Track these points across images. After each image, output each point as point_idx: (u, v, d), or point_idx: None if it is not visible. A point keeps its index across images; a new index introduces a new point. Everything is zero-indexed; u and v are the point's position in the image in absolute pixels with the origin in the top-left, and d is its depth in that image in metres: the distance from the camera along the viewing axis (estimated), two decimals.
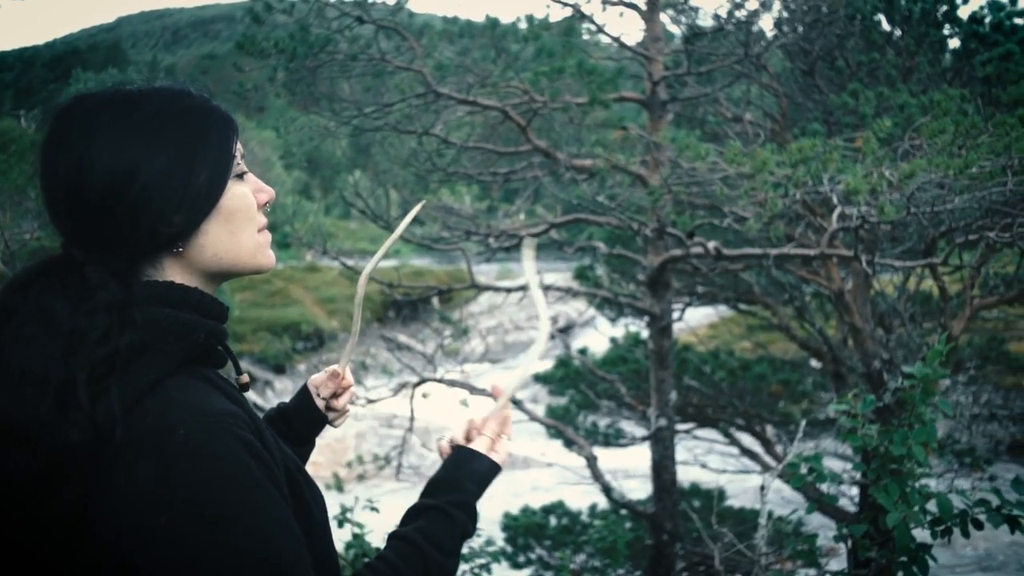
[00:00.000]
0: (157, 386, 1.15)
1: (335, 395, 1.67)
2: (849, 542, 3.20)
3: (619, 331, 10.53)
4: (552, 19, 6.89)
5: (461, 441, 1.43)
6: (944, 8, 6.93)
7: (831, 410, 3.02)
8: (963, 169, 3.35)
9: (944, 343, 2.64)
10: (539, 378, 10.17)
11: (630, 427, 9.66)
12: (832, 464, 5.48)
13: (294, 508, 1.18)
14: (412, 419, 6.91)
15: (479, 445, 1.40)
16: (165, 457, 1.09)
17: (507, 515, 8.28)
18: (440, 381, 6.67)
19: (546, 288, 6.94)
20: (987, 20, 6.84)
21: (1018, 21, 6.81)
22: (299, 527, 1.15)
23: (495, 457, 1.40)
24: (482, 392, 6.71)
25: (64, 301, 1.16)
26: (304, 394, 1.68)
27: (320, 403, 1.66)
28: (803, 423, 4.44)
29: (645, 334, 9.69)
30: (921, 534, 2.94)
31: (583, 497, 9.43)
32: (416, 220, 8.67)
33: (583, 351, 8.36)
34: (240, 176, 1.28)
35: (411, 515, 1.33)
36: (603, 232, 8.57)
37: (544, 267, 9.10)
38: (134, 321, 1.16)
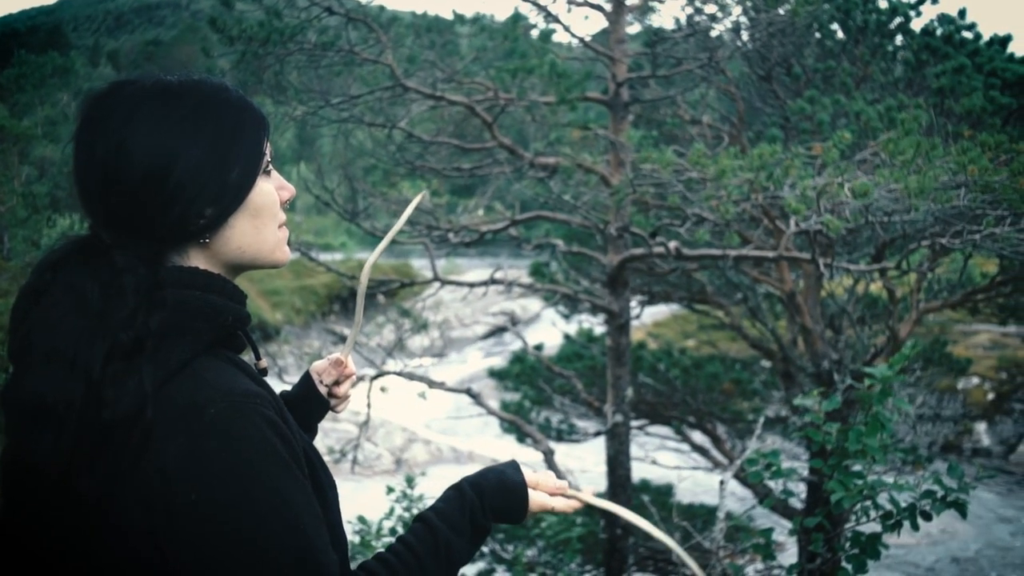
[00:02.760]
0: (187, 366, 1.17)
1: (337, 382, 1.72)
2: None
3: (572, 327, 10.60)
4: (517, 18, 6.92)
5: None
6: (898, 20, 7.13)
7: (797, 403, 3.11)
8: (923, 189, 3.50)
9: (912, 347, 2.75)
10: (492, 374, 10.20)
11: (583, 423, 9.74)
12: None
13: (311, 488, 1.21)
14: (369, 413, 6.89)
15: (530, 482, 1.42)
16: (194, 435, 1.11)
17: None
18: (400, 374, 6.66)
19: (509, 284, 6.97)
20: (938, 32, 7.06)
21: (967, 35, 7.05)
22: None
23: (536, 500, 1.41)
24: (440, 385, 6.72)
25: (94, 282, 1.17)
26: (307, 381, 1.71)
27: (323, 390, 1.70)
28: (761, 420, 4.56)
29: (600, 331, 9.77)
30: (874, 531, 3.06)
31: None
32: (372, 214, 8.63)
33: (539, 347, 8.42)
34: (267, 173, 1.31)
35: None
36: (561, 229, 8.64)
37: (499, 263, 9.14)
38: (164, 303, 1.18)
